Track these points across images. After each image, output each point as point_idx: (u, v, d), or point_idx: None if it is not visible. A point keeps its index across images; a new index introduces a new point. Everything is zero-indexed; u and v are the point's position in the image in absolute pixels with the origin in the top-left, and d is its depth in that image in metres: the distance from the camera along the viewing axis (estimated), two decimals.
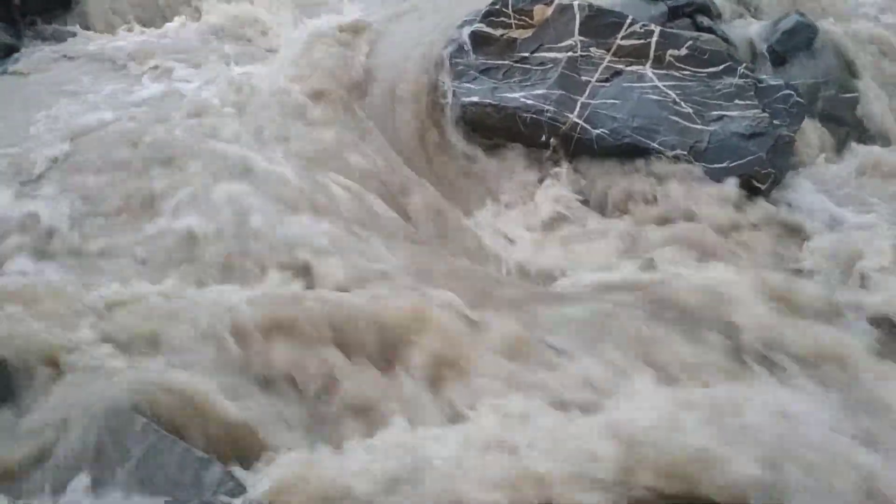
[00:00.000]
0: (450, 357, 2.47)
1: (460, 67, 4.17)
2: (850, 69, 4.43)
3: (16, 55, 5.29)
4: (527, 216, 3.65)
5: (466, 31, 4.30)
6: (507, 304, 2.84)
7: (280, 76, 4.27)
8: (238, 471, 1.92)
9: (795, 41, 4.43)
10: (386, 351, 2.51)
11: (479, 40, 4.27)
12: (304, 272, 2.90)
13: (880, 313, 2.78)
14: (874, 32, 4.65)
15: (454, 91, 4.06)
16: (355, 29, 4.70)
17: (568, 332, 2.65)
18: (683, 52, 4.08)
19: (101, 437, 1.90)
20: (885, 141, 4.18)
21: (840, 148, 4.06)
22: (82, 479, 1.88)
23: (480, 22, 4.32)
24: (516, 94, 3.97)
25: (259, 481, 1.90)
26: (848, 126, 4.27)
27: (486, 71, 4.14)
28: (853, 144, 4.09)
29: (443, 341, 2.51)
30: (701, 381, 2.41)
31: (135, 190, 3.36)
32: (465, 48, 4.23)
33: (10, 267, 2.85)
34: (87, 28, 5.69)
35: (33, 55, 5.23)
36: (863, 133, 4.24)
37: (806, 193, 3.64)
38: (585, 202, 3.68)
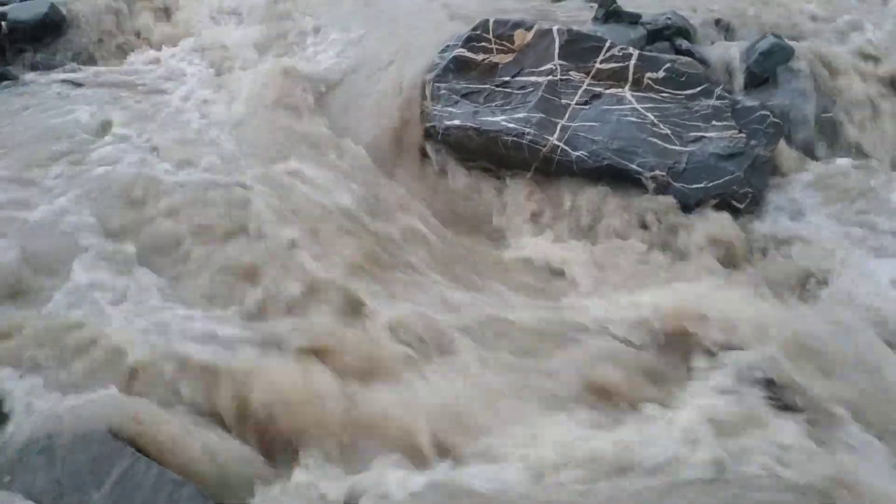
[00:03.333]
0: None
1: (442, 92, 4.23)
2: (824, 89, 4.50)
3: (4, 83, 5.32)
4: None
5: (448, 55, 4.38)
6: None
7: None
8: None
9: (772, 62, 4.49)
10: None
11: (460, 65, 4.34)
12: None
13: None
14: (845, 52, 4.73)
15: (436, 115, 4.13)
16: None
17: None
18: (661, 74, 4.15)
19: (77, 460, 1.93)
20: (858, 156, 4.25)
21: (813, 166, 4.10)
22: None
23: (462, 47, 4.39)
24: (497, 118, 4.03)
25: None
26: (823, 144, 4.33)
27: (467, 95, 4.21)
28: (828, 160, 4.15)
29: None
30: None
31: None
32: (447, 73, 4.31)
33: None
34: (74, 58, 5.71)
35: (23, 84, 5.27)
36: (837, 150, 4.30)
37: (780, 214, 3.71)
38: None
